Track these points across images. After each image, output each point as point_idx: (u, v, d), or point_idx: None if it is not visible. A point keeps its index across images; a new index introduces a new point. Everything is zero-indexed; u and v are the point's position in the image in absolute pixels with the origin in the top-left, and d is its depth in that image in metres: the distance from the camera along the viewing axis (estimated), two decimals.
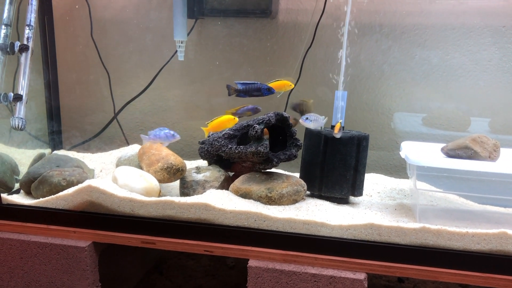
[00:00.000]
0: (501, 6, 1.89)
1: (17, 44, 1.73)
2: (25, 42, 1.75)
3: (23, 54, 1.75)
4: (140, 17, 2.22)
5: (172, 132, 1.61)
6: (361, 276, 1.42)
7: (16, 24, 1.85)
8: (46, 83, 2.24)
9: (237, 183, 1.66)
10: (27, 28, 1.78)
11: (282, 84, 1.78)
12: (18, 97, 1.71)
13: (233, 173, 1.83)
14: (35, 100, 2.19)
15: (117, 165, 1.92)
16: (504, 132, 1.96)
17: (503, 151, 1.57)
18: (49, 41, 2.22)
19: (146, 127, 2.34)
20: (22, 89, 1.74)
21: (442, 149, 1.60)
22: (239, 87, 1.65)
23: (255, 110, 1.79)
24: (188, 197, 1.62)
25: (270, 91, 1.68)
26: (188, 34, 2.11)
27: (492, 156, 1.52)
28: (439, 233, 1.40)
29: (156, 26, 2.21)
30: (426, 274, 1.41)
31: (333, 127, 1.72)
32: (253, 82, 1.69)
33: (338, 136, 1.60)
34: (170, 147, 1.87)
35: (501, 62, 1.93)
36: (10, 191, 1.82)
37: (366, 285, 1.42)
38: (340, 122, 1.62)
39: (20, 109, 1.72)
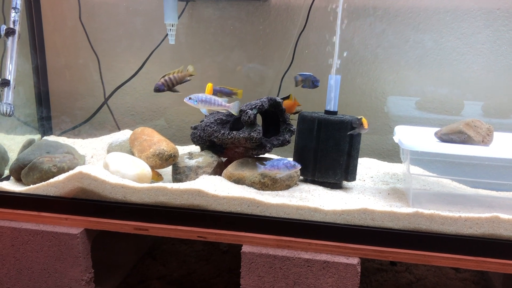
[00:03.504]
0: None
1: (3, 27, 1.69)
2: (12, 26, 1.71)
3: (10, 38, 1.71)
4: None
5: (292, 162, 1.50)
6: (354, 260, 1.42)
7: (2, 7, 1.81)
8: (34, 68, 2.19)
9: (230, 168, 1.65)
10: (13, 11, 1.73)
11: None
12: (5, 82, 1.68)
13: (226, 158, 1.82)
14: (23, 85, 2.14)
15: (108, 151, 1.90)
16: (497, 115, 1.96)
17: (497, 135, 1.57)
18: (36, 24, 2.17)
19: (137, 112, 2.31)
20: (10, 74, 1.70)
21: (436, 134, 1.60)
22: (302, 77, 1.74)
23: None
24: (180, 183, 1.61)
25: (316, 84, 1.74)
26: (179, 17, 2.07)
27: (485, 140, 1.52)
28: (432, 217, 1.41)
29: (146, 9, 2.16)
30: (419, 259, 1.42)
31: (326, 111, 1.71)
32: (309, 74, 1.74)
33: (364, 132, 1.58)
34: (162, 132, 1.86)
35: (495, 45, 1.92)
36: None
37: (359, 270, 1.42)
38: (363, 117, 1.59)
39: (8, 95, 1.69)
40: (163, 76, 1.69)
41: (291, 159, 1.76)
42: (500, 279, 1.82)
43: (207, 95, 1.54)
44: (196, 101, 1.52)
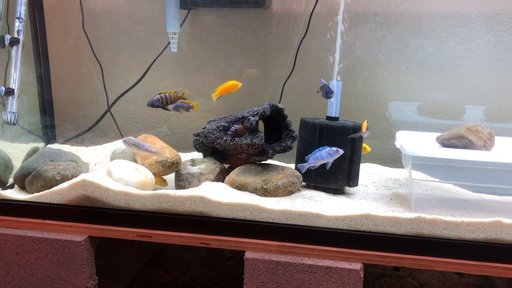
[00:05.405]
0: None
1: (8, 37, 1.71)
2: (16, 35, 1.73)
3: (14, 47, 1.72)
4: (132, 8, 2.20)
5: (334, 148, 1.49)
6: (357, 266, 1.43)
7: (6, 17, 1.83)
8: (38, 77, 2.21)
9: (233, 175, 1.66)
10: (17, 21, 1.75)
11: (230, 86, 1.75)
12: (9, 91, 1.70)
13: (229, 165, 1.82)
14: (27, 94, 2.16)
15: (112, 158, 1.91)
16: (499, 120, 1.96)
17: (498, 139, 1.58)
18: (40, 33, 2.19)
19: (140, 120, 2.33)
20: (14, 83, 1.72)
21: (437, 139, 1.60)
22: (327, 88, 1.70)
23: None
24: (183, 190, 1.61)
25: (329, 95, 1.71)
26: (181, 25, 2.09)
27: (487, 145, 1.52)
28: (434, 222, 1.41)
29: (148, 17, 2.18)
30: (422, 264, 1.42)
31: (328, 117, 1.72)
32: (325, 83, 1.71)
33: (365, 135, 1.59)
34: (165, 139, 1.87)
35: (496, 50, 1.93)
36: (4, 186, 1.81)
37: (362, 275, 1.42)
38: (367, 121, 1.59)
39: (12, 104, 1.70)
40: (159, 93, 1.71)
41: (293, 165, 1.77)
42: (504, 284, 1.82)
43: (138, 141, 1.61)
44: (129, 144, 1.60)
